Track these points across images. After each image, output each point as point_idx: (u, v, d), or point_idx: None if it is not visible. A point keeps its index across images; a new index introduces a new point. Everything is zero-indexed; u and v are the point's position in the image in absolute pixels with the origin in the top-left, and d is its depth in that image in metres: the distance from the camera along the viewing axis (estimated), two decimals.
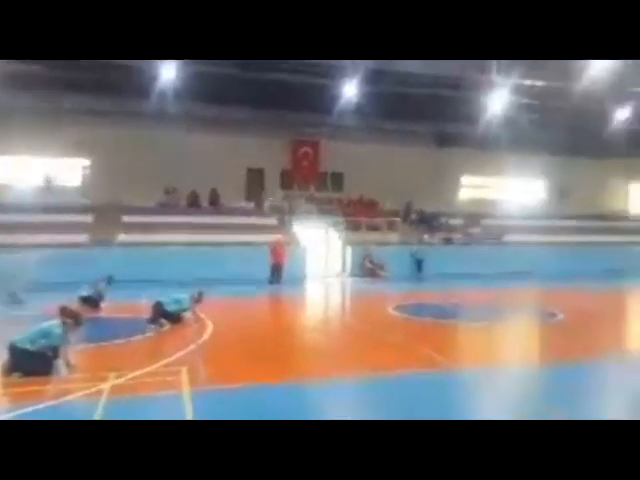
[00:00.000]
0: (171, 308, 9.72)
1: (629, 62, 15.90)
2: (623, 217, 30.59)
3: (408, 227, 24.61)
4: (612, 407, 5.93)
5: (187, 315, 9.99)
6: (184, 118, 21.51)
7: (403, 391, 6.07)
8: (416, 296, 16.31)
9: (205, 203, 23.49)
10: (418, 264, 21.61)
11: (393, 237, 23.50)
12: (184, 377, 6.20)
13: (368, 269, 21.00)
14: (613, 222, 28.74)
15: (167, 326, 9.47)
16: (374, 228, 23.81)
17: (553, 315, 11.55)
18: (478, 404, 5.87)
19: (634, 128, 22.67)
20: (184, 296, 10.12)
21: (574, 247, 23.95)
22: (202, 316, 10.19)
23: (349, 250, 22.08)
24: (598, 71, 16.38)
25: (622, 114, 21.47)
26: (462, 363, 7.65)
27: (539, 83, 18.91)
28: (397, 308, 12.51)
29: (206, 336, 8.82)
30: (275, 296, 16.05)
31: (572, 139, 25.59)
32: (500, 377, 6.95)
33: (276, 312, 13.85)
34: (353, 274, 21.45)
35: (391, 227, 24.16)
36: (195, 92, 18.68)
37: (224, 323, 10.26)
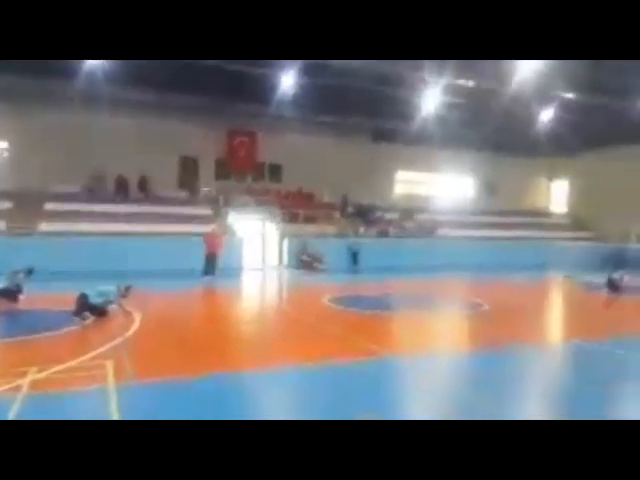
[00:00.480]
0: (96, 301, 9.27)
1: (554, 65, 16.74)
2: (546, 214, 32.37)
3: (345, 220, 24.84)
4: (528, 391, 6.22)
5: (113, 308, 9.57)
6: (113, 101, 20.56)
7: (339, 380, 6.07)
8: (352, 288, 16.48)
9: (134, 190, 22.58)
10: (354, 256, 21.88)
11: (330, 229, 23.65)
12: (109, 371, 5.91)
13: (305, 261, 21.02)
14: (536, 218, 30.35)
15: (91, 319, 9.02)
16: (311, 220, 23.86)
17: (479, 305, 12.03)
18: (411, 389, 5.98)
19: (557, 129, 23.93)
20: (110, 288, 9.69)
21: (501, 242, 25.09)
22: (129, 309, 9.80)
23: (286, 242, 22.00)
24: (525, 73, 17.10)
25: (546, 115, 22.61)
26: (395, 351, 7.77)
27: (469, 84, 19.55)
28: (333, 300, 12.57)
29: (133, 329, 8.46)
30: (209, 288, 15.71)
31: (500, 138, 26.72)
32: (431, 364, 7.12)
33: (210, 304, 13.53)
34: (290, 266, 21.40)
35: (328, 220, 24.30)
36: (126, 75, 17.86)
37: (154, 316, 9.89)
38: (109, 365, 6.14)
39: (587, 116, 22.90)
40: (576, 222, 30.17)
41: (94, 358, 6.55)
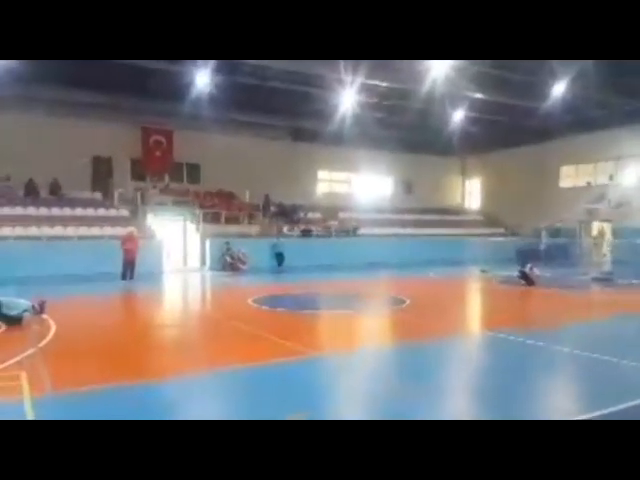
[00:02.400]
0: (10, 312, 8.63)
1: (464, 66, 17.58)
2: (460, 211, 33.98)
3: (268, 220, 24.70)
4: (450, 382, 6.49)
5: (27, 317, 8.91)
6: (20, 100, 19.21)
7: (266, 382, 5.99)
8: (276, 288, 16.41)
9: (44, 193, 21.18)
10: (278, 256, 21.82)
11: (253, 230, 23.43)
12: (24, 383, 5.48)
13: (228, 262, 20.68)
14: (452, 215, 31.79)
15: (2, 328, 8.35)
16: (234, 221, 23.51)
17: (401, 301, 12.38)
18: (339, 387, 6.02)
19: (468, 129, 25.18)
20: (25, 303, 9.04)
21: (419, 239, 26.05)
22: (44, 317, 9.18)
23: (208, 243, 21.53)
24: (438, 73, 17.82)
25: (458, 115, 23.70)
26: (321, 351, 7.81)
27: (384, 84, 20.11)
28: (257, 300, 12.44)
29: (49, 338, 7.91)
30: (128, 293, 15.04)
31: (415, 137, 27.71)
32: (356, 361, 7.23)
33: (129, 309, 12.93)
34: (213, 267, 20.98)
35: (251, 220, 24.06)
36: (33, 73, 16.63)
37: (70, 324, 9.29)
38: (24, 376, 5.70)
39: (495, 116, 24.27)
40: (489, 219, 31.91)
41: (7, 369, 6.05)
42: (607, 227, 26.08)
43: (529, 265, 15.76)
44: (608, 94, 20.59)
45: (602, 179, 27.15)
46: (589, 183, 27.67)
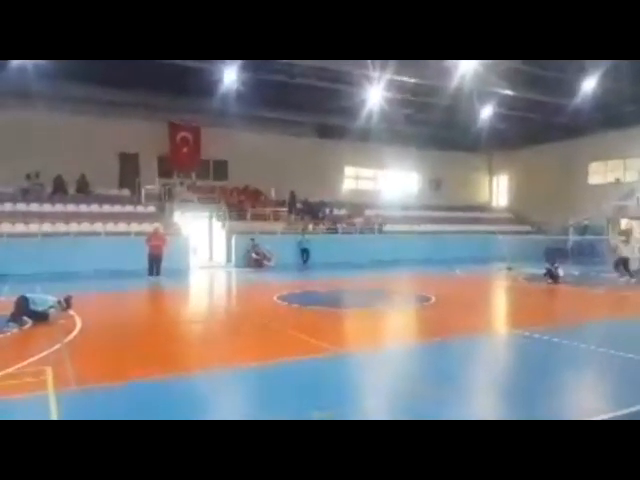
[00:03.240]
0: (37, 307, 8.81)
1: (493, 62, 17.27)
2: (488, 208, 33.47)
3: (293, 217, 24.74)
4: (478, 379, 6.38)
5: (53, 313, 9.09)
6: (49, 98, 19.60)
7: (292, 379, 5.98)
8: (302, 285, 16.42)
9: (72, 190, 21.62)
10: (304, 253, 21.84)
11: (279, 226, 23.50)
12: (49, 377, 5.59)
13: (254, 259, 20.79)
14: (479, 212, 31.33)
15: (29, 324, 8.55)
16: (260, 217, 23.63)
17: (427, 299, 12.25)
18: (364, 386, 5.97)
19: (496, 125, 24.76)
20: (51, 299, 9.22)
21: (446, 236, 25.77)
22: (71, 313, 9.36)
23: (234, 240, 21.68)
24: (465, 70, 17.56)
25: (486, 112, 23.31)
26: (347, 348, 7.77)
27: (411, 80, 19.88)
28: (282, 297, 12.46)
29: (75, 333, 8.06)
30: (155, 289, 15.25)
31: (442, 134, 27.39)
32: (383, 359, 7.16)
33: (155, 305, 13.11)
34: (238, 264, 21.12)
35: (277, 217, 24.14)
36: (62, 71, 16.97)
37: (96, 319, 9.46)
38: (49, 371, 5.81)
39: (524, 113, 23.80)
40: (517, 216, 31.36)
41: (33, 364, 6.18)
42: (636, 224, 25.34)
43: (556, 264, 15.48)
44: (638, 90, 19.98)
45: (631, 176, 26.38)
46: (618, 180, 26.92)
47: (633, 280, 15.45)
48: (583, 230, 24.81)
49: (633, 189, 25.26)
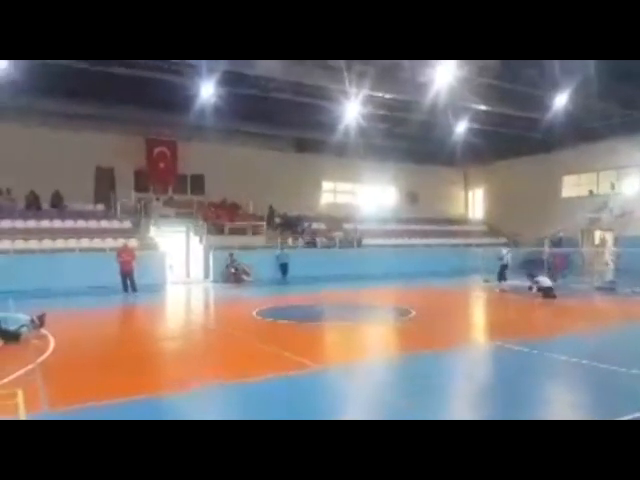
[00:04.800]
0: (8, 327, 8.56)
1: (466, 78, 17.60)
2: (464, 221, 33.88)
3: (272, 231, 24.64)
4: (461, 391, 6.38)
5: (25, 332, 8.83)
6: (22, 111, 19.28)
7: (273, 395, 5.89)
8: (281, 300, 16.30)
9: (46, 205, 21.21)
10: (282, 268, 21.73)
11: (257, 241, 23.36)
12: (20, 401, 5.39)
13: (232, 274, 20.60)
14: (455, 226, 31.68)
15: (0, 344, 8.29)
16: (238, 232, 23.46)
17: (407, 312, 12.27)
18: (345, 401, 5.92)
19: (470, 140, 25.13)
20: (24, 317, 8.96)
21: (423, 249, 25.96)
22: (44, 332, 9.10)
23: (212, 254, 21.47)
24: (440, 86, 17.82)
25: (461, 127, 23.67)
26: (327, 363, 7.70)
27: (388, 95, 20.11)
28: (261, 312, 12.35)
29: (48, 353, 7.83)
30: (131, 306, 14.97)
31: (419, 148, 27.70)
32: (363, 373, 7.12)
33: (131, 322, 12.85)
34: (217, 279, 20.90)
35: (255, 231, 24.01)
36: (36, 83, 16.71)
37: (70, 339, 9.21)
38: (20, 394, 5.61)
39: (498, 127, 24.24)
40: (492, 229, 31.78)
41: (4, 387, 5.97)
42: (609, 236, 25.92)
43: (537, 277, 15.50)
44: (609, 105, 20.58)
45: (604, 188, 27.04)
46: (591, 192, 27.57)
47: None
48: (558, 242, 25.24)
49: (606, 201, 25.86)
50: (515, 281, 18.16)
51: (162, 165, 24.66)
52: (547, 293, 14.71)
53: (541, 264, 19.63)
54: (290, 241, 24.01)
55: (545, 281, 15.24)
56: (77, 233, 19.46)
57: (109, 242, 19.22)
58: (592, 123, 22.60)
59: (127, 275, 16.63)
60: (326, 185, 30.07)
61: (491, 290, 17.59)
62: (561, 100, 19.69)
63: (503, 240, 29.38)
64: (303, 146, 27.56)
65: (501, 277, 19.24)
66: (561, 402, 5.99)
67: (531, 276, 15.65)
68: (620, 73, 16.92)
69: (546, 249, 21.67)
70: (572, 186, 28.84)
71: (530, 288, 15.34)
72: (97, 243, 19.28)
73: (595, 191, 27.48)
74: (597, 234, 26.70)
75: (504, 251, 20.25)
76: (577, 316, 12.75)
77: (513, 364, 7.52)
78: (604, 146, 24.75)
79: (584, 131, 23.60)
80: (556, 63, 16.16)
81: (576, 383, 6.74)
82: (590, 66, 15.60)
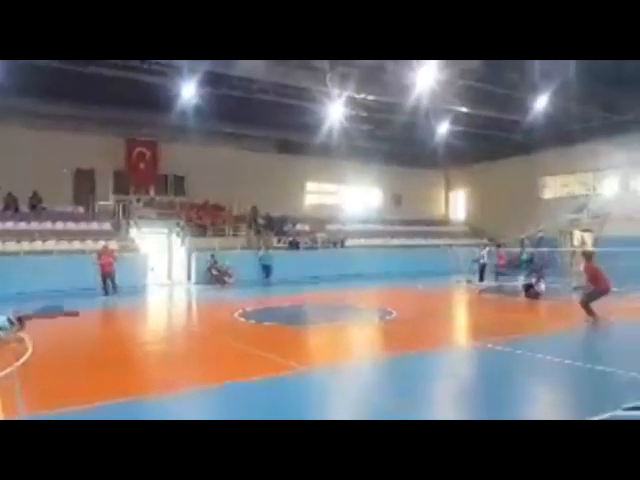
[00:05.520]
0: None
1: (448, 79, 17.72)
2: (445, 222, 34.14)
3: (255, 232, 24.52)
4: (441, 391, 6.40)
5: (2, 335, 8.63)
6: (0, 111, 18.90)
7: (257, 397, 5.85)
8: (263, 301, 16.22)
9: (25, 207, 20.82)
10: (265, 269, 21.63)
11: (239, 242, 23.23)
12: None
13: (214, 275, 20.45)
14: (437, 227, 31.90)
15: None
16: (220, 233, 23.31)
17: (389, 313, 12.30)
18: (326, 402, 5.90)
19: (451, 142, 25.32)
20: (0, 319, 8.76)
21: (406, 250, 26.07)
22: (22, 335, 8.91)
23: (194, 256, 21.29)
24: (422, 88, 17.91)
25: (442, 129, 23.83)
26: (311, 365, 7.67)
27: (370, 97, 20.17)
28: (243, 314, 12.27)
29: (25, 357, 7.66)
30: (111, 308, 14.75)
31: (401, 150, 27.82)
32: (346, 373, 7.11)
33: (111, 325, 12.65)
34: (199, 281, 20.73)
35: (237, 232, 23.88)
36: (13, 84, 16.35)
37: (49, 342, 9.05)
38: None
39: (479, 130, 24.46)
40: (473, 230, 32.05)
41: None
42: (588, 236, 26.33)
43: (533, 278, 15.48)
44: (588, 108, 20.90)
45: (582, 190, 27.51)
46: (570, 193, 28.04)
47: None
48: (538, 242, 25.55)
49: (585, 202, 26.27)
50: (492, 282, 18.40)
51: (142, 166, 24.37)
52: (529, 293, 14.86)
53: (520, 265, 19.87)
54: (274, 242, 23.95)
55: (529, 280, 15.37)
56: (56, 235, 19.16)
57: (89, 244, 18.96)
58: (571, 126, 22.91)
59: (108, 276, 16.44)
60: (310, 186, 30.04)
61: (472, 291, 17.73)
62: (541, 103, 19.94)
63: (484, 241, 29.66)
64: (286, 147, 27.48)
65: (481, 277, 19.49)
66: (543, 401, 6.05)
67: (535, 273, 15.64)
68: (600, 76, 17.20)
69: (525, 249, 22.00)
70: (551, 187, 29.29)
71: (530, 287, 15.07)
72: (76, 245, 19.00)
73: (573, 193, 27.92)
74: (576, 234, 27.11)
75: (482, 251, 20.41)
76: (555, 316, 12.92)
77: (496, 364, 7.58)
78: (583, 148, 25.13)
79: (564, 133, 23.93)
80: (537, 66, 16.37)
81: (557, 382, 6.81)
82: (570, 69, 15.83)
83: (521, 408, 5.56)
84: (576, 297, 15.47)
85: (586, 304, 10.63)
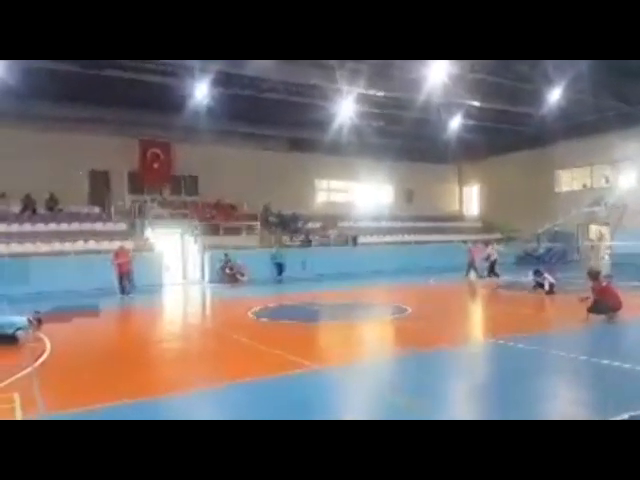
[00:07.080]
0: (4, 330, 8.54)
1: (459, 73, 17.61)
2: (459, 218, 33.92)
3: (267, 230, 24.62)
4: (461, 390, 6.39)
5: (22, 335, 8.80)
6: (16, 115, 19.20)
7: (270, 395, 5.89)
8: (277, 299, 16.28)
9: (42, 209, 21.13)
10: (278, 267, 21.71)
11: (252, 241, 23.34)
12: (17, 405, 5.38)
13: (228, 274, 20.58)
14: (450, 222, 31.70)
15: None
16: (233, 232, 23.44)
17: (403, 310, 12.26)
18: (343, 400, 5.92)
19: (464, 136, 25.17)
20: (19, 320, 8.93)
21: (419, 246, 25.96)
22: (40, 335, 9.08)
23: (208, 255, 21.45)
24: (433, 82, 17.82)
25: (454, 123, 23.69)
26: (325, 363, 7.69)
27: (381, 93, 20.12)
28: (257, 312, 12.34)
29: (45, 357, 7.81)
30: (127, 307, 14.93)
31: (413, 146, 27.72)
32: (362, 372, 7.12)
33: (127, 324, 12.81)
34: (212, 280, 20.88)
35: (250, 231, 23.99)
36: (30, 87, 16.61)
37: (67, 341, 9.20)
38: (17, 398, 5.60)
39: (491, 123, 24.28)
40: (487, 225, 31.80)
41: (0, 390, 5.95)
42: (605, 230, 25.99)
43: (543, 273, 15.23)
44: (602, 99, 20.63)
45: (599, 183, 27.13)
46: (585, 186, 27.66)
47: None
48: (553, 237, 25.32)
49: (602, 195, 25.91)
50: (508, 277, 18.24)
51: (156, 166, 24.62)
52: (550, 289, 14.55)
53: (535, 259, 19.71)
54: (287, 240, 24.01)
55: (549, 277, 15.01)
56: (72, 236, 19.42)
57: (104, 244, 19.18)
58: (585, 117, 22.67)
59: (125, 276, 16.48)
60: (321, 184, 30.06)
61: (486, 286, 17.61)
62: (554, 95, 19.74)
63: (497, 236, 29.43)
64: (297, 145, 27.54)
65: (492, 272, 19.37)
66: (562, 399, 6.01)
67: (538, 273, 15.34)
68: (614, 67, 16.99)
69: (541, 244, 21.80)
70: (566, 181, 28.95)
71: (541, 286, 14.78)
72: (92, 245, 19.24)
73: (589, 185, 27.57)
74: (593, 228, 26.77)
75: (489, 249, 20.13)
76: (574, 311, 12.76)
77: (512, 361, 7.53)
78: (598, 140, 24.84)
79: (578, 125, 23.68)
80: None
81: (575, 379, 6.75)
82: (583, 60, 15.64)
83: (535, 406, 5.54)
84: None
85: (591, 311, 10.15)
